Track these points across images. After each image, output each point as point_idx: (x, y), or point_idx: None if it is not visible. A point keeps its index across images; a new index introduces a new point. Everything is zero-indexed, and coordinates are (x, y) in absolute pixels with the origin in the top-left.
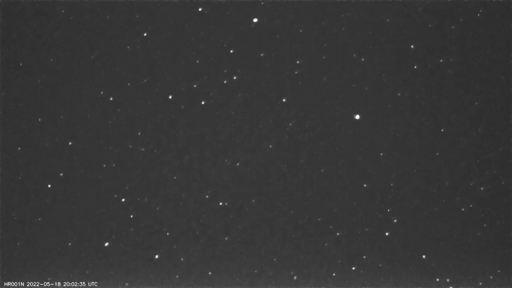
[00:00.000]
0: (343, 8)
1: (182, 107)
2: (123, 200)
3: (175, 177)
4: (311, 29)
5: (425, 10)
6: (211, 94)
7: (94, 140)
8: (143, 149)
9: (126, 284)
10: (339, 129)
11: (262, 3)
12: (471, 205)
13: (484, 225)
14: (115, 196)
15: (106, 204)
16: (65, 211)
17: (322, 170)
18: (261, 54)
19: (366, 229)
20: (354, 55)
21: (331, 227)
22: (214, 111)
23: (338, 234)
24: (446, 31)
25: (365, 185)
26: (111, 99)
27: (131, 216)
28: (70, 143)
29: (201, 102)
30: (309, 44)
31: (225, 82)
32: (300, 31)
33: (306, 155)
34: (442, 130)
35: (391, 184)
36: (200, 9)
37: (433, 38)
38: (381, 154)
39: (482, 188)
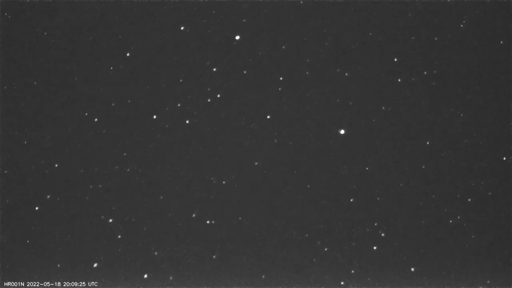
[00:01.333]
0: (325, 24)
1: (167, 126)
2: (110, 220)
3: (161, 197)
4: (293, 44)
5: (412, 17)
6: (195, 113)
7: (80, 162)
8: (128, 170)
9: None
10: (324, 144)
11: (244, 20)
12: (458, 217)
13: (473, 236)
14: (102, 217)
15: (93, 225)
16: (52, 232)
17: (308, 186)
18: (244, 72)
19: (354, 244)
20: (337, 70)
21: (318, 242)
22: (199, 129)
23: (326, 249)
24: (430, 42)
25: (351, 200)
26: (95, 120)
27: (119, 237)
28: (56, 165)
29: (185, 121)
30: (291, 60)
31: (209, 100)
32: (283, 47)
33: (292, 171)
34: (427, 143)
35: (378, 198)
36: (182, 28)
37: (416, 51)
38: (367, 168)
39: (469, 200)
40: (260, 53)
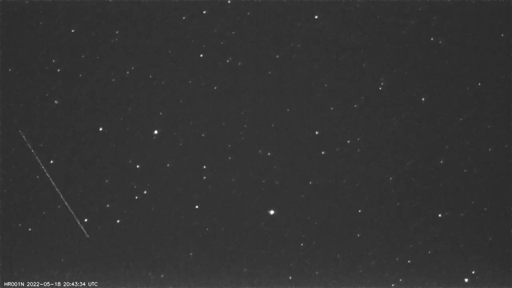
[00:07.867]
0: (243, 104)
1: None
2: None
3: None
4: (211, 130)
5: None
6: (124, 211)
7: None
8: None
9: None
10: (255, 227)
11: (160, 113)
12: (400, 280)
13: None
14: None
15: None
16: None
17: (245, 269)
18: (167, 164)
19: None
20: (259, 151)
21: None
22: (135, 226)
23: None
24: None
25: (290, 277)
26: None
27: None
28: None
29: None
30: (212, 146)
31: (136, 197)
32: (202, 135)
33: (226, 256)
34: (359, 211)
35: (316, 273)
36: (100, 129)
37: (336, 123)
38: (301, 244)
39: (411, 263)
40: (180, 144)
